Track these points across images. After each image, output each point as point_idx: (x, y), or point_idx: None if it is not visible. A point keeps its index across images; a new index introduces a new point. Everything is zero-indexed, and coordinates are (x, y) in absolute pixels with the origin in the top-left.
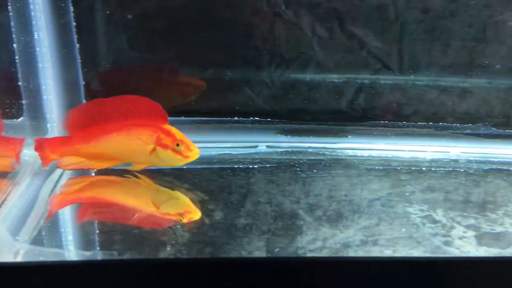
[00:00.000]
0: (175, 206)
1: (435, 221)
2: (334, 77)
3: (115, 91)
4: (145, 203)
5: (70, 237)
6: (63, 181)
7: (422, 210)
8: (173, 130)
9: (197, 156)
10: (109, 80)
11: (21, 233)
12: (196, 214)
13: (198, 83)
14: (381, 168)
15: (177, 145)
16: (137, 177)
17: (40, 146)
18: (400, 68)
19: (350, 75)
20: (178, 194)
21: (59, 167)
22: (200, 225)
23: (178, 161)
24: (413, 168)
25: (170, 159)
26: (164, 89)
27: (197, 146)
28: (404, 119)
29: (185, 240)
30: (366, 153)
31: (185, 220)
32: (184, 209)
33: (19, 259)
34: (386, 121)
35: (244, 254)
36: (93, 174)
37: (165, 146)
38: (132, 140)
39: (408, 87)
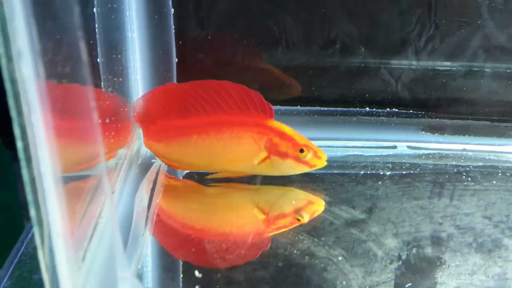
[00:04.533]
0: (289, 203)
1: None
2: (506, 57)
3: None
4: (248, 213)
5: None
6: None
7: None
8: (287, 129)
9: (325, 164)
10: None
11: None
12: (319, 205)
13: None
14: None
15: (301, 151)
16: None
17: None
18: None
19: None
20: (290, 188)
21: None
22: (309, 248)
23: (299, 171)
24: None
25: (290, 169)
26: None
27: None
28: None
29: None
30: None
31: (305, 218)
32: (305, 201)
33: None
34: None
35: None
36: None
37: (284, 155)
38: (228, 146)
39: None
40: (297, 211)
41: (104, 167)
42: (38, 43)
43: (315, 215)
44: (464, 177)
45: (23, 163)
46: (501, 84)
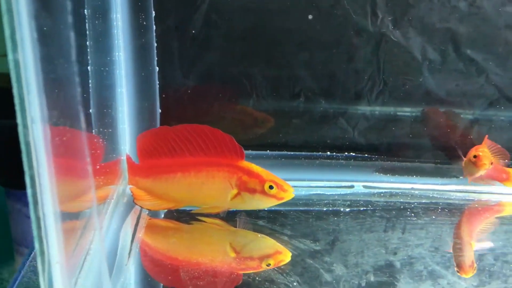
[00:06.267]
0: (259, 249)
1: None
2: (444, 108)
3: None
4: (221, 249)
5: None
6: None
7: None
8: (255, 168)
9: (292, 196)
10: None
11: None
12: (286, 255)
13: (262, 117)
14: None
15: (270, 187)
16: (203, 221)
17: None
18: None
19: (464, 107)
20: (262, 235)
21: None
22: (275, 279)
23: (268, 204)
24: None
25: (260, 204)
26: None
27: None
28: None
29: None
30: (483, 197)
31: (272, 265)
32: (273, 250)
33: None
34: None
35: None
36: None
37: (252, 191)
38: (205, 184)
39: None
40: (265, 257)
41: (95, 206)
42: (47, 111)
43: (281, 264)
44: (409, 212)
45: (31, 206)
46: (441, 131)
